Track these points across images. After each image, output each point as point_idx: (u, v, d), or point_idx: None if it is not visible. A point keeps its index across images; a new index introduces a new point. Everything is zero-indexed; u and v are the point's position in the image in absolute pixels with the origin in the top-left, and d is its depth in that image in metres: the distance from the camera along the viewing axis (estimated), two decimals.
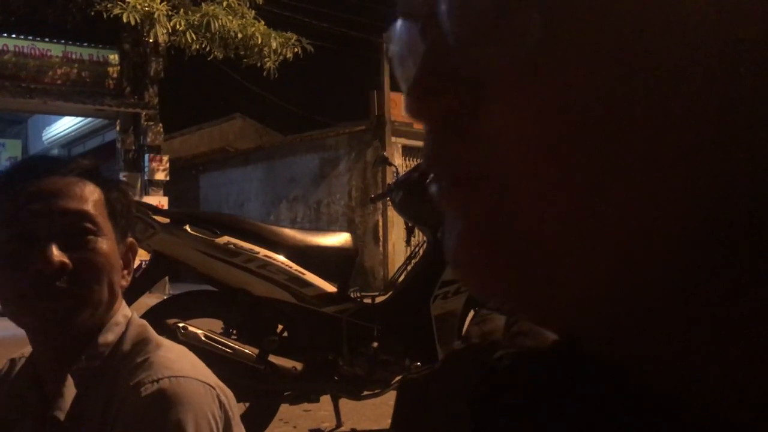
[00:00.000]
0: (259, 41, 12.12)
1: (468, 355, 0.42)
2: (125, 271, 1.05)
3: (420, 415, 0.43)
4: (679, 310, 0.26)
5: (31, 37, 12.33)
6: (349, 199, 12.36)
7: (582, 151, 0.26)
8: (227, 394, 0.99)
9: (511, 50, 0.27)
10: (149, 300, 4.38)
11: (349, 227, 11.77)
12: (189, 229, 2.87)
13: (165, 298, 3.79)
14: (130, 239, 1.07)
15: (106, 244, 0.98)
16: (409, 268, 3.45)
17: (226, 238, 2.88)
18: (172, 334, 2.69)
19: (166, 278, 8.01)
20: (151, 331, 1.05)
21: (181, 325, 2.73)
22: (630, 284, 0.26)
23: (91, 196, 0.99)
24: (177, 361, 0.97)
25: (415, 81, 0.30)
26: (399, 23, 0.33)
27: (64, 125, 16.34)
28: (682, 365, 0.28)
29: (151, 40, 11.84)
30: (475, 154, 0.29)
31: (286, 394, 3.01)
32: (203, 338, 2.74)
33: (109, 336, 1.02)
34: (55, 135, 17.14)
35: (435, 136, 0.30)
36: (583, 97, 0.26)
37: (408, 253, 3.60)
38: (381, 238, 11.77)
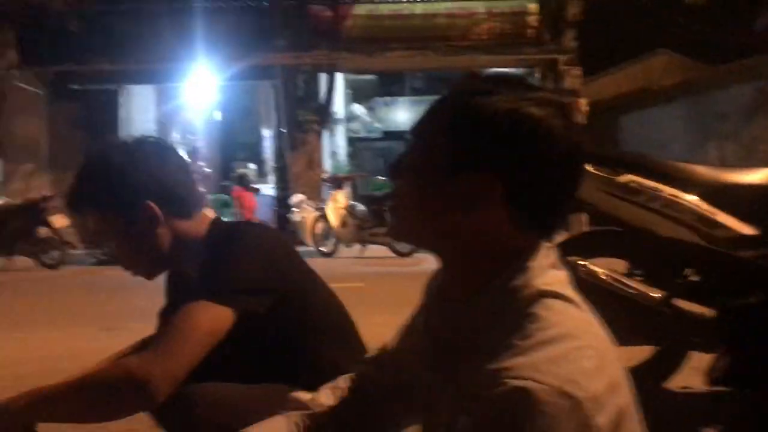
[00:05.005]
0: None
1: None
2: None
3: None
4: None
5: None
6: None
7: None
8: (608, 408, 0.81)
9: None
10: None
11: None
12: (591, 169, 2.85)
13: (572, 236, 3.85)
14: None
15: None
16: None
17: (628, 177, 2.79)
18: (573, 272, 2.73)
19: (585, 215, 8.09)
20: (551, 306, 0.89)
21: (581, 263, 2.76)
22: None
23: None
24: (554, 362, 0.81)
25: None
26: None
27: None
28: None
29: None
30: None
31: (695, 341, 2.84)
32: (603, 277, 2.73)
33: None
34: None
35: None
36: None
37: None
38: None
